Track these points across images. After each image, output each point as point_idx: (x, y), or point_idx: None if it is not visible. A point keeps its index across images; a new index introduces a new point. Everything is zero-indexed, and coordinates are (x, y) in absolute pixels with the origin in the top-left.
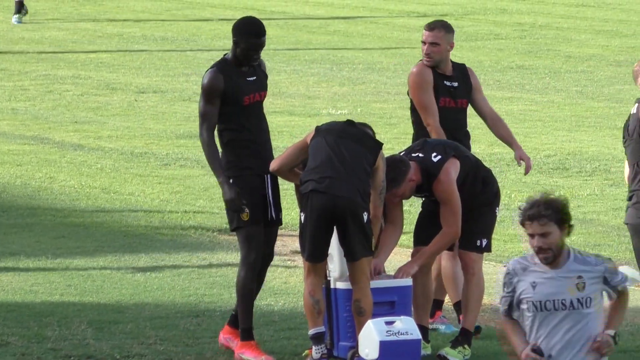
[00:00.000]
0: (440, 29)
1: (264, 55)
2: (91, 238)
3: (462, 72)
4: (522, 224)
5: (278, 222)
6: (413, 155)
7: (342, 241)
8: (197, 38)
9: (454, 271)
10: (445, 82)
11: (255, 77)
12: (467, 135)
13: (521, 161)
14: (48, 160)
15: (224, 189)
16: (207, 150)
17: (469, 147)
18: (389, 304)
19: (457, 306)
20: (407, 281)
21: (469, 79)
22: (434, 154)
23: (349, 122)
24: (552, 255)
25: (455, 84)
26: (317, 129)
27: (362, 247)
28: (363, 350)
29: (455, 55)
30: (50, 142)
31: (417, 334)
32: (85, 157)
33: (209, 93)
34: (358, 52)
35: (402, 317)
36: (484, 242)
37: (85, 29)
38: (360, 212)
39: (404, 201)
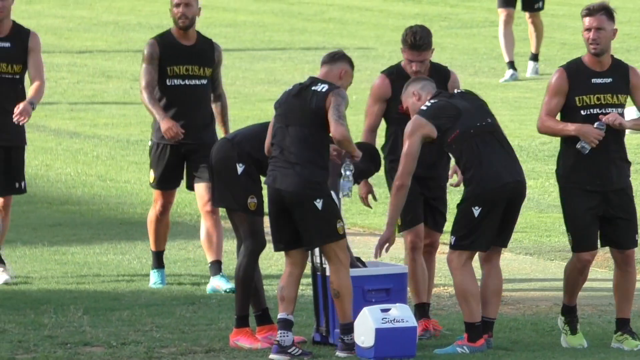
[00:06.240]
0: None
1: (260, 43)
2: (87, 226)
3: None
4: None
5: None
6: None
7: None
8: None
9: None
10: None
11: None
12: None
13: None
14: (44, 148)
15: None
16: None
17: None
18: (384, 291)
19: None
20: (403, 268)
21: None
22: None
23: None
24: None
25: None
26: None
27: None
28: (359, 338)
29: (451, 43)
30: (47, 130)
31: (412, 322)
32: (82, 144)
33: None
34: (353, 40)
35: (397, 304)
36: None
37: (81, 17)
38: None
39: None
